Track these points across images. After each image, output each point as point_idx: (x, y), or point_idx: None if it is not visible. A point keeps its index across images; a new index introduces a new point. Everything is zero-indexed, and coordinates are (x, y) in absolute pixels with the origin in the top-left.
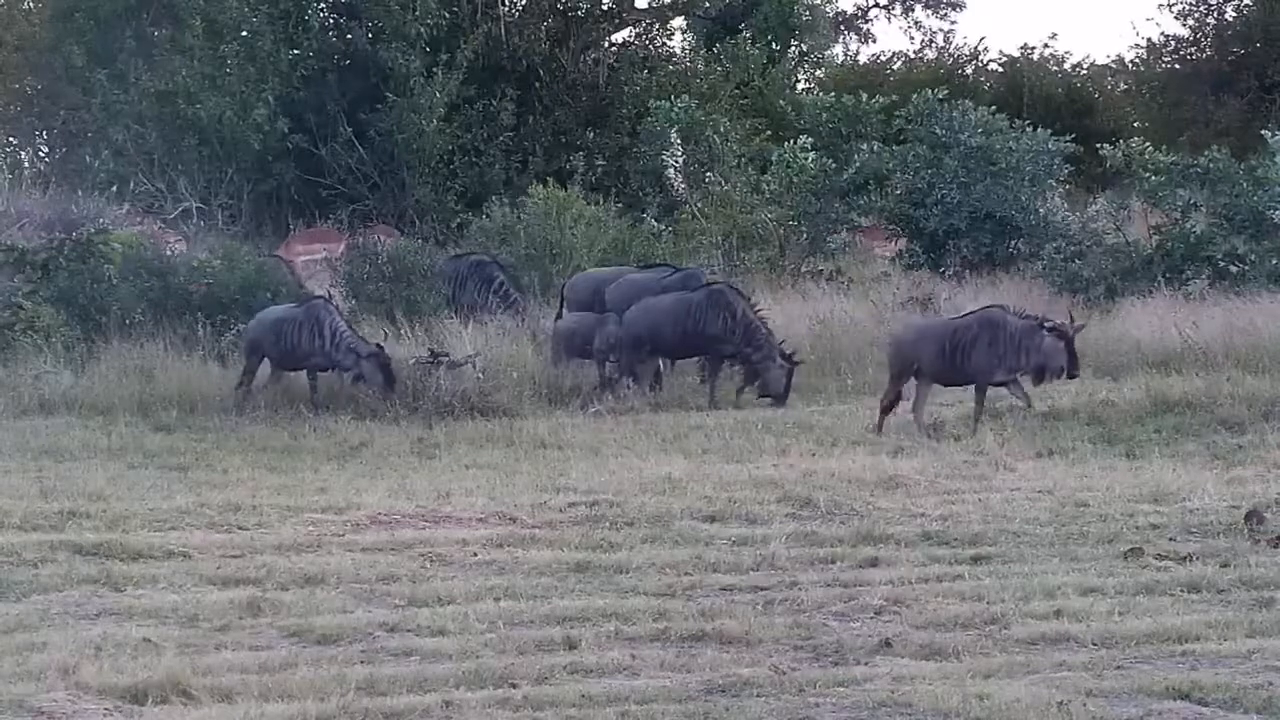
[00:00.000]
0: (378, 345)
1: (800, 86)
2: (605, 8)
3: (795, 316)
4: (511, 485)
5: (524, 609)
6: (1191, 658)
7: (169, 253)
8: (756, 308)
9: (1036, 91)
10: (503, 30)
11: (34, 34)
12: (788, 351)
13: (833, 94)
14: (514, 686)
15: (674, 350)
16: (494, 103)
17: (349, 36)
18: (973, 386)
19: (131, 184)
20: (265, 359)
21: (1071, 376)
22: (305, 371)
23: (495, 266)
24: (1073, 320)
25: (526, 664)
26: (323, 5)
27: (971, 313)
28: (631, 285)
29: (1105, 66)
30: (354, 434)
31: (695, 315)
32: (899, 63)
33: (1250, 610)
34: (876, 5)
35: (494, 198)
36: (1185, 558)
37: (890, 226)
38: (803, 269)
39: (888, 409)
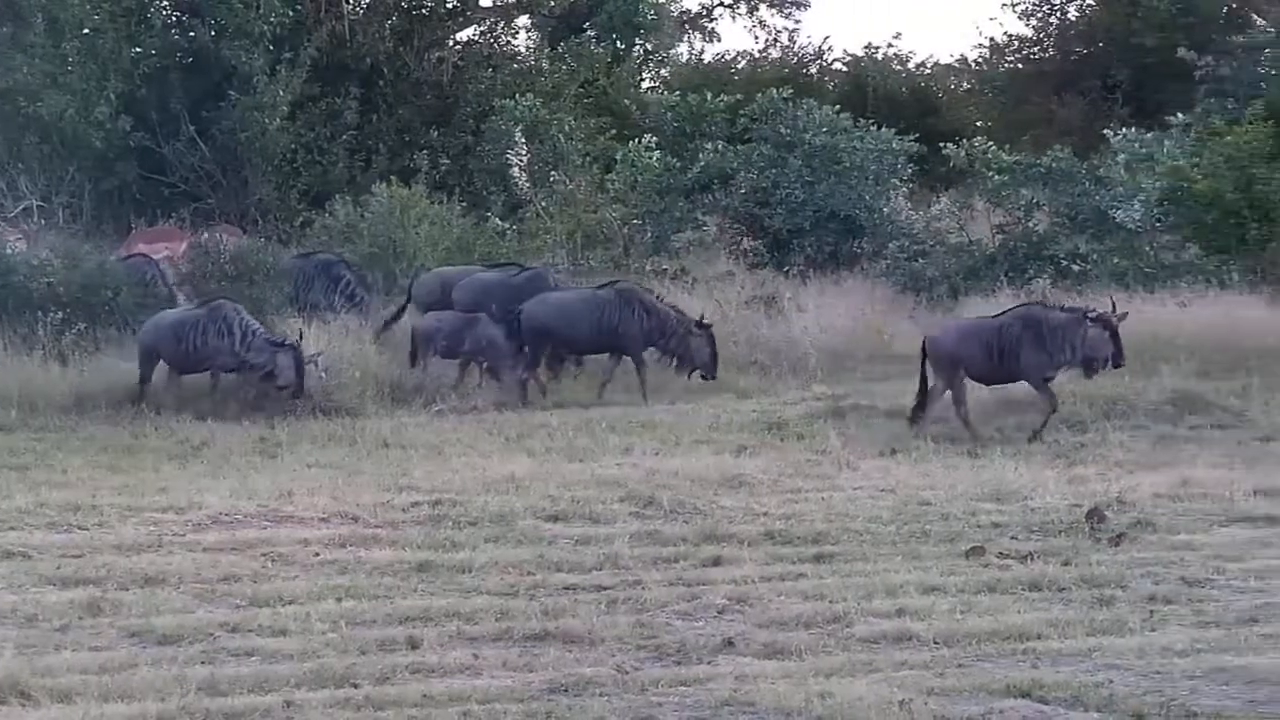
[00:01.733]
0: (290, 340)
1: (645, 85)
2: (449, 6)
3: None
4: (354, 485)
5: (366, 609)
6: (1033, 656)
7: (9, 251)
8: (662, 297)
9: (880, 91)
10: (346, 28)
11: None
12: (702, 320)
13: (677, 93)
14: (356, 686)
15: (584, 347)
16: (338, 101)
17: (192, 34)
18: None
19: None
20: (161, 362)
21: (1118, 366)
22: (210, 373)
23: (342, 266)
24: (1115, 308)
25: (368, 664)
26: (165, 3)
27: (1009, 311)
28: (479, 284)
29: (949, 66)
30: (196, 433)
31: (608, 314)
32: (744, 62)
33: (1091, 608)
34: (721, 4)
35: (337, 196)
36: (1027, 556)
37: (734, 225)
38: (647, 268)
39: (926, 410)
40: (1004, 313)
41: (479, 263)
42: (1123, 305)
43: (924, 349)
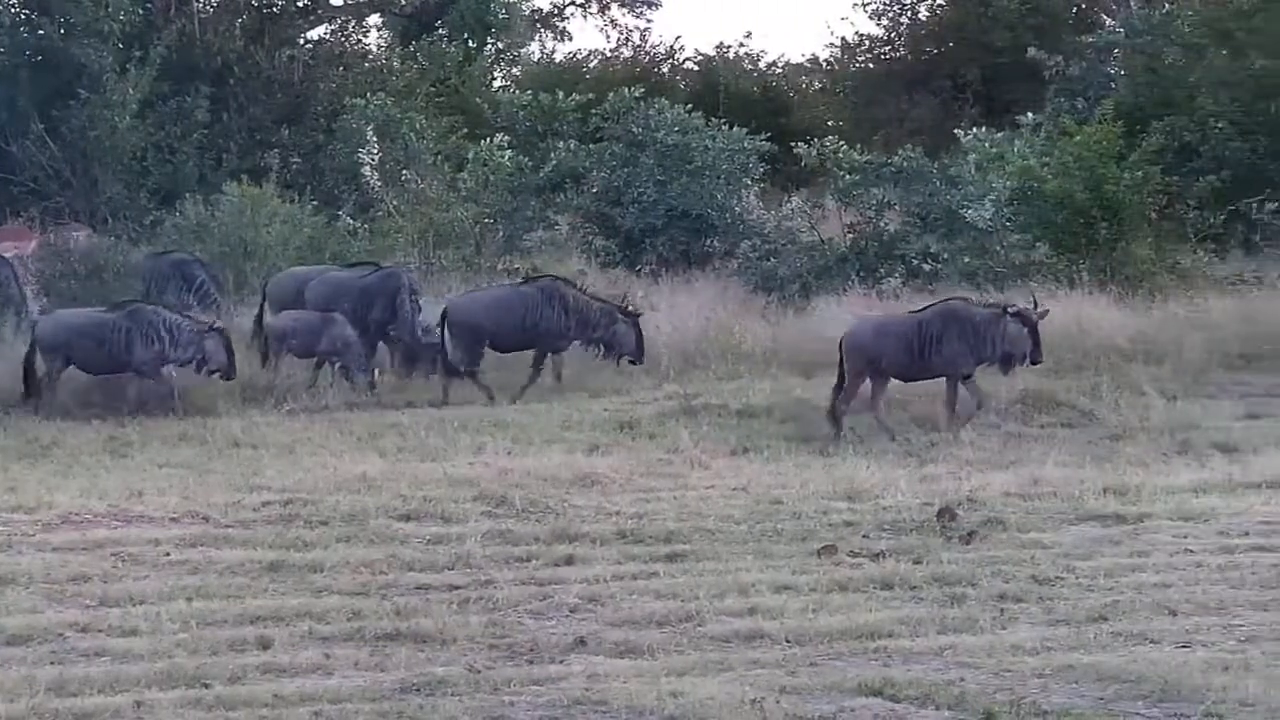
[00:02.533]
0: (215, 324)
1: (497, 84)
2: (300, 5)
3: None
4: (205, 484)
5: (217, 609)
6: (884, 654)
7: None
8: (585, 290)
9: (732, 90)
10: (196, 27)
11: None
12: (627, 308)
13: (529, 92)
14: (207, 686)
15: (509, 344)
16: (188, 99)
17: (41, 32)
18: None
19: None
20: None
21: (1035, 362)
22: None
23: (197, 265)
24: (1036, 305)
25: (219, 664)
26: (14, 1)
27: (928, 307)
28: (330, 283)
29: (800, 66)
30: (45, 432)
31: (531, 309)
32: (595, 61)
33: (942, 607)
34: (573, 3)
35: (188, 195)
36: (878, 555)
37: (586, 224)
38: (499, 267)
39: (844, 410)
40: (923, 309)
41: (331, 262)
42: None
43: (840, 345)
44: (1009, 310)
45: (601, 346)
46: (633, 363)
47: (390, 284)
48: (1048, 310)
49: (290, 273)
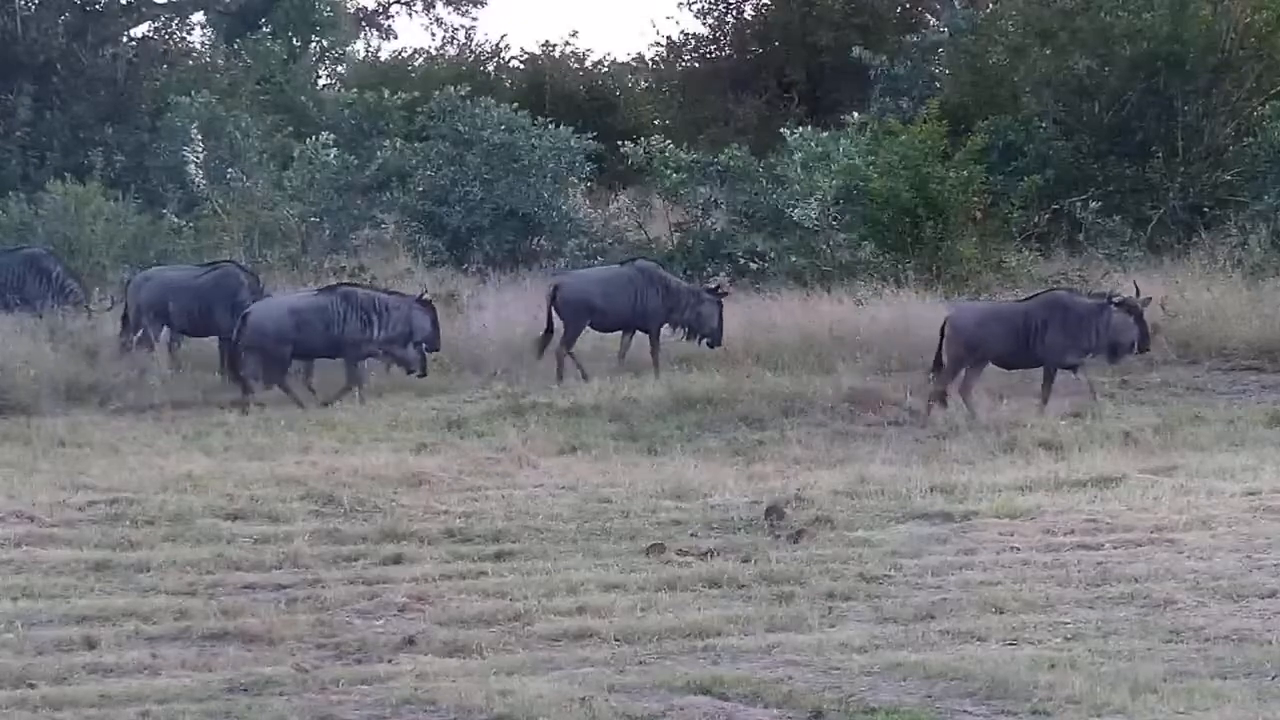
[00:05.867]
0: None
1: (322, 83)
2: (124, 2)
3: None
4: (29, 484)
5: (42, 608)
6: (713, 652)
7: None
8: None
9: (558, 89)
10: (18, 24)
11: None
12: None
13: (354, 90)
14: (32, 687)
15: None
16: (10, 97)
17: None
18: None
19: None
20: None
21: (1143, 351)
22: None
23: (51, 259)
24: (1139, 293)
25: (45, 664)
26: None
27: (1034, 296)
28: (163, 281)
29: (626, 65)
30: None
31: (641, 289)
32: (421, 59)
33: (770, 605)
34: (398, 2)
35: (10, 193)
36: (706, 553)
37: (412, 223)
38: (325, 265)
39: (943, 395)
40: (1029, 297)
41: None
42: (800, 303)
43: (943, 330)
44: (1113, 300)
45: (686, 328)
46: (711, 345)
47: (226, 283)
48: (1150, 299)
49: (150, 273)
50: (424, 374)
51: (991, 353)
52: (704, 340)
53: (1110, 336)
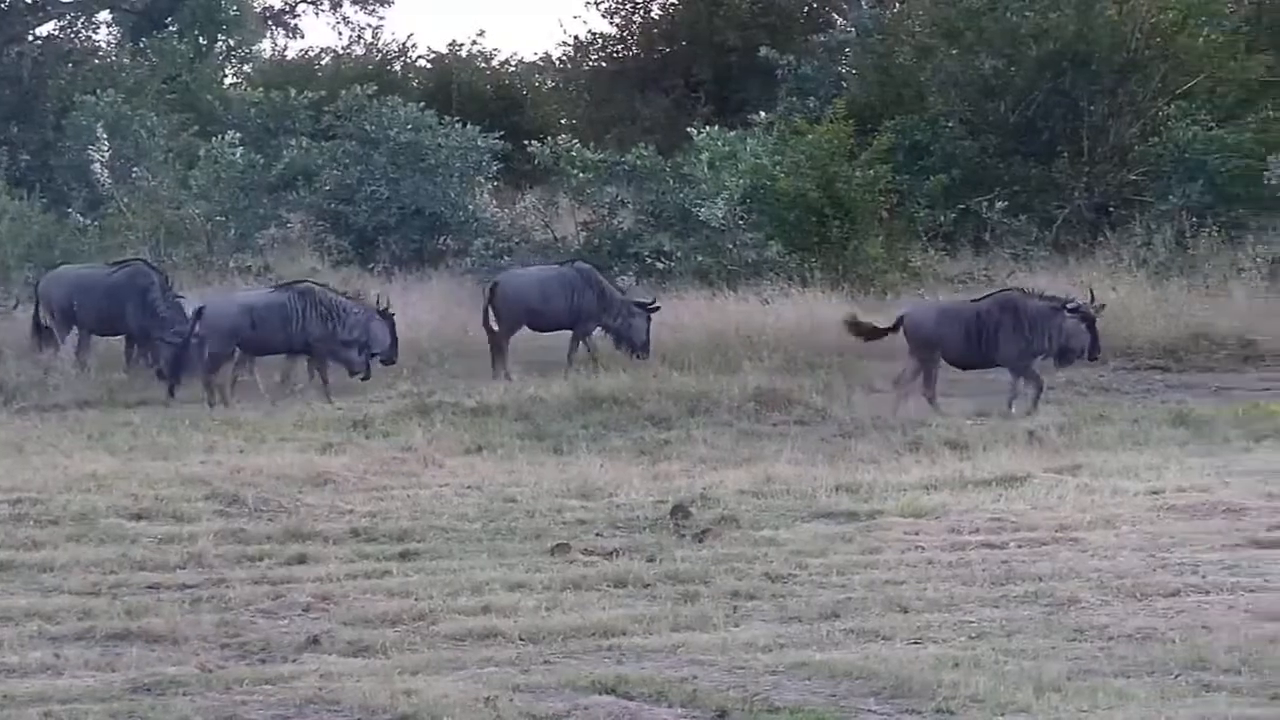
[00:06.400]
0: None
1: (228, 81)
2: (29, 1)
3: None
4: None
5: None
6: (618, 652)
7: None
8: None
9: (465, 88)
10: None
11: None
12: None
13: (261, 89)
14: None
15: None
16: None
17: None
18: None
19: None
20: None
21: (1093, 358)
22: None
23: None
24: (1093, 299)
25: None
26: None
27: (988, 296)
28: (71, 279)
29: (533, 64)
30: None
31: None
32: (328, 59)
33: (675, 604)
34: (304, 1)
35: None
36: (612, 553)
37: (319, 222)
38: (231, 265)
39: (908, 392)
40: (984, 297)
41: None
42: (707, 303)
43: (902, 328)
44: (1068, 305)
45: (615, 335)
46: (639, 357)
47: (136, 280)
48: (1104, 305)
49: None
50: (367, 377)
51: (946, 352)
52: (632, 352)
53: (1061, 341)
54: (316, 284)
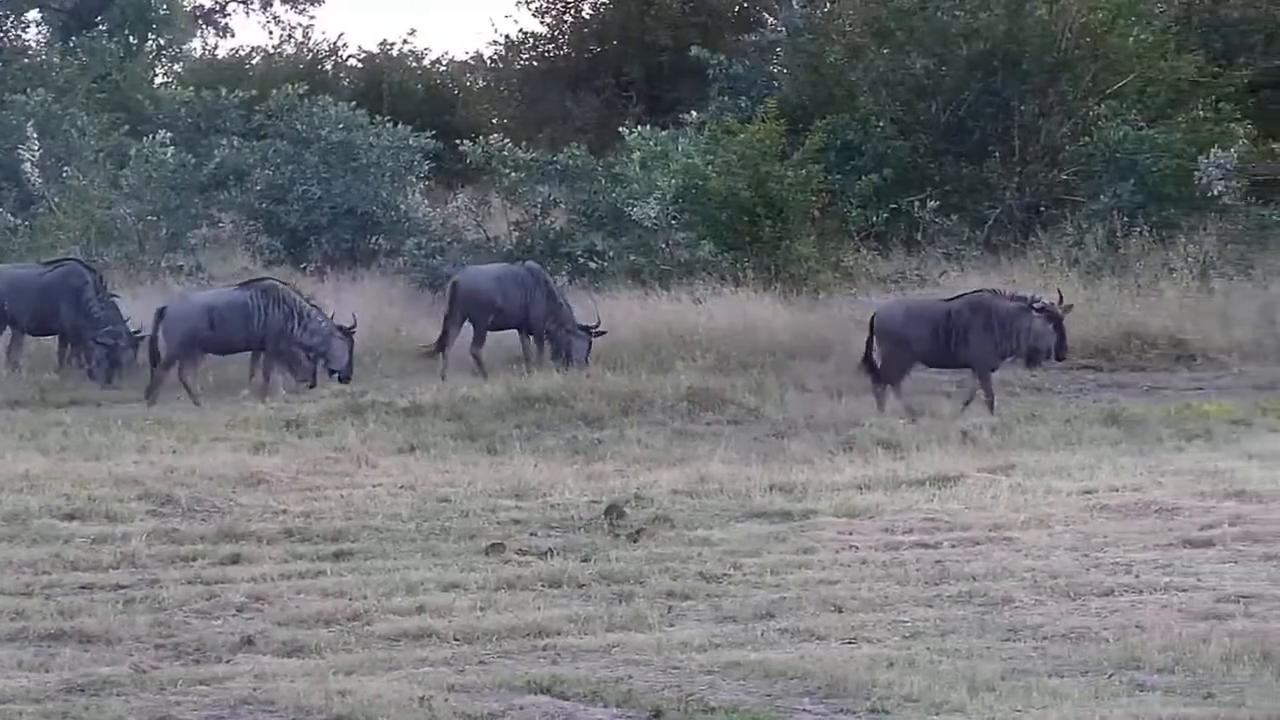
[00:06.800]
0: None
1: (158, 81)
2: None
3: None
4: None
5: None
6: (552, 652)
7: None
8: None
9: (396, 88)
10: None
11: None
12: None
13: (191, 89)
14: None
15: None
16: None
17: None
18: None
19: None
20: None
21: (1059, 358)
22: None
23: None
24: (1061, 300)
25: None
26: None
27: (959, 296)
28: (6, 279)
29: (465, 63)
30: None
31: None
32: (258, 58)
33: (610, 604)
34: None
35: None
36: (546, 553)
37: (250, 222)
38: (163, 264)
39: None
40: (954, 297)
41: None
42: (639, 302)
43: (871, 324)
44: (1034, 305)
45: (555, 343)
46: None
47: (71, 280)
48: (1072, 305)
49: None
50: (314, 385)
51: (915, 350)
52: (567, 364)
53: (1030, 342)
54: (281, 283)
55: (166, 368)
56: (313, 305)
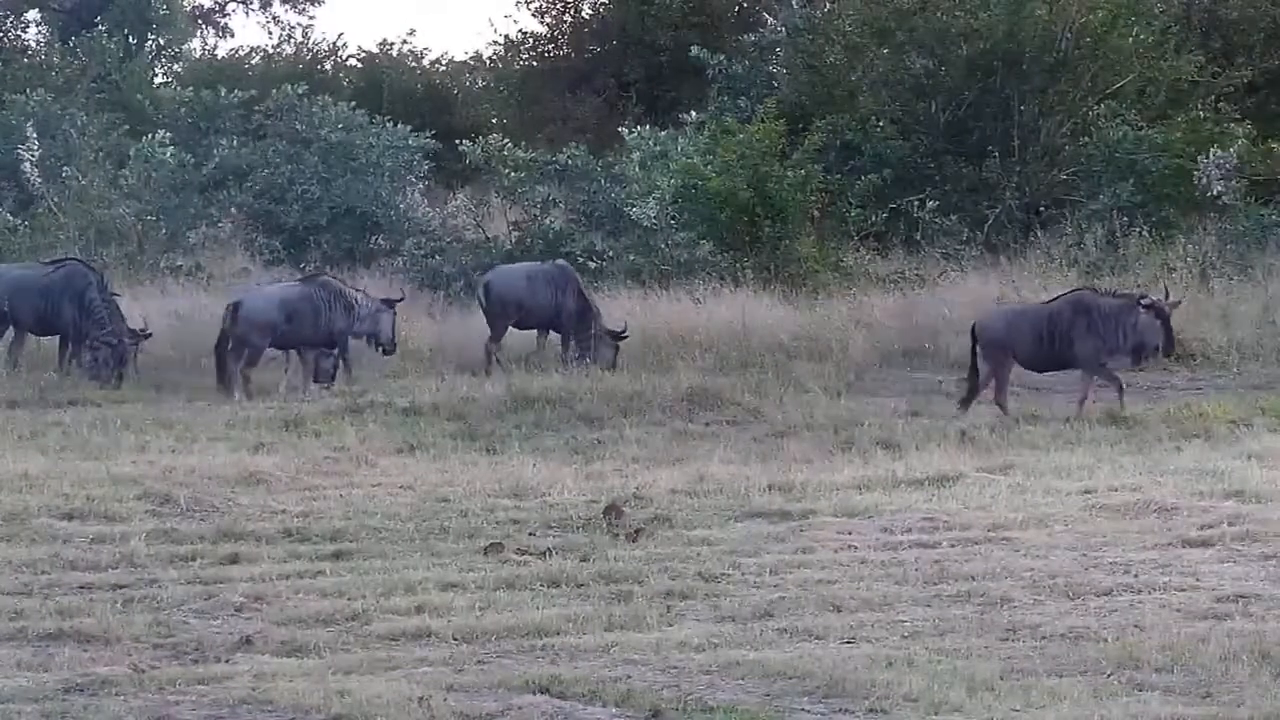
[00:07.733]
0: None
1: (158, 81)
2: None
3: (155, 312)
4: None
5: None
6: (551, 652)
7: None
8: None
9: (396, 88)
10: None
11: None
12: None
13: (191, 89)
14: None
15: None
16: None
17: None
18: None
19: None
20: None
21: (1168, 354)
22: None
23: None
24: (1168, 296)
25: None
26: None
27: (1060, 297)
28: (8, 280)
29: (464, 63)
30: None
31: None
32: (258, 58)
33: (609, 604)
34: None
35: None
36: (545, 552)
37: (250, 222)
38: (162, 264)
39: (973, 395)
40: (1055, 298)
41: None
42: (639, 302)
43: (973, 334)
44: (1142, 301)
45: (578, 342)
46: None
47: (74, 281)
48: (1180, 301)
49: None
50: (331, 385)
51: (1019, 355)
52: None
53: (1136, 338)
54: (333, 277)
55: (239, 359)
56: (356, 290)
